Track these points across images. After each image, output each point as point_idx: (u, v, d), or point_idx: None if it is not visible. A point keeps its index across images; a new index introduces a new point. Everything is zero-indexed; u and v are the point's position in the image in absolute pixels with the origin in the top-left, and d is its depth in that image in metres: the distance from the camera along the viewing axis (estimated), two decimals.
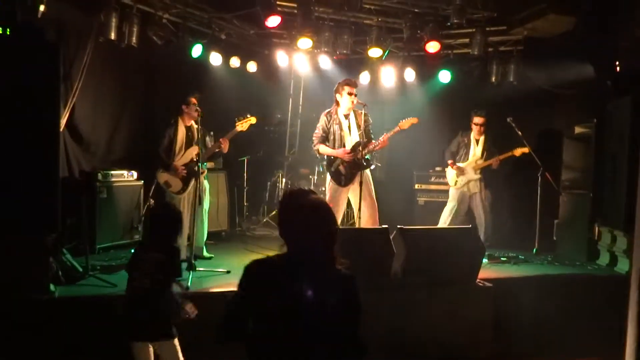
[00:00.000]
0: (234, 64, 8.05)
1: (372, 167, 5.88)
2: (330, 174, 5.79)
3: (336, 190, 5.74)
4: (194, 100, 5.78)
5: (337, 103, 5.75)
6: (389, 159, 8.52)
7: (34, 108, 4.15)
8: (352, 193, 5.74)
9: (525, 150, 6.66)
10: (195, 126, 5.74)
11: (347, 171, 5.68)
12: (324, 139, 5.78)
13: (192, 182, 5.67)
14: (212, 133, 6.49)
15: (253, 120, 5.69)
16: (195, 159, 5.59)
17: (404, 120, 5.63)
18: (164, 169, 5.76)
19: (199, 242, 5.78)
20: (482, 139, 7.03)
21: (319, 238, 2.16)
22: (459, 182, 7.02)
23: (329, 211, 2.24)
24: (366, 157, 5.68)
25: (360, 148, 5.60)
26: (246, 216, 8.55)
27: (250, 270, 2.24)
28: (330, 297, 2.10)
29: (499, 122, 6.92)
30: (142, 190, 6.55)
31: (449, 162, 7.14)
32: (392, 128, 5.66)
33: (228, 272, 5.29)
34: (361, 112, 5.65)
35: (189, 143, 5.74)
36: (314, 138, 5.82)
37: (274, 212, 8.45)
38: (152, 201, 6.34)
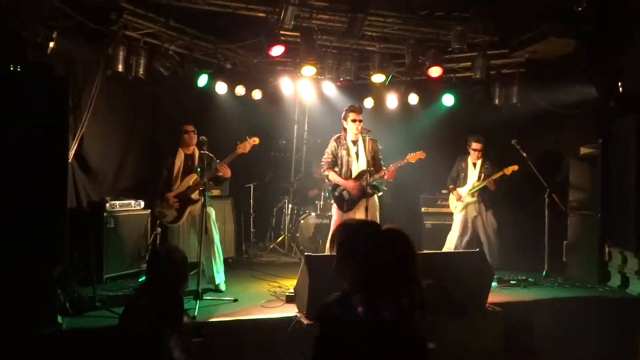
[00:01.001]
0: (239, 92, 8.15)
1: (380, 193, 5.88)
2: (333, 198, 5.86)
3: (340, 215, 5.77)
4: (188, 127, 5.82)
5: (345, 129, 5.83)
6: (395, 182, 8.49)
7: (43, 141, 4.21)
8: (358, 217, 5.73)
9: (515, 168, 6.69)
10: (198, 153, 5.73)
11: (350, 197, 5.71)
12: (334, 164, 5.86)
13: (188, 211, 5.68)
14: (218, 160, 6.53)
15: (255, 140, 5.62)
16: (191, 185, 5.61)
17: (412, 154, 5.67)
18: (160, 199, 5.80)
19: (209, 272, 5.69)
20: (479, 162, 7.06)
21: (393, 263, 2.05)
22: (458, 206, 7.08)
23: (401, 236, 2.12)
24: (374, 183, 5.70)
25: (367, 175, 5.62)
26: (253, 242, 8.53)
27: (327, 317, 2.01)
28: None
29: (503, 144, 6.93)
30: (149, 219, 6.56)
31: (450, 187, 7.24)
32: (397, 153, 5.70)
33: (235, 300, 5.26)
34: (368, 139, 5.68)
35: (187, 171, 5.75)
36: (323, 163, 5.88)
37: (280, 238, 8.44)
38: (159, 230, 6.35)
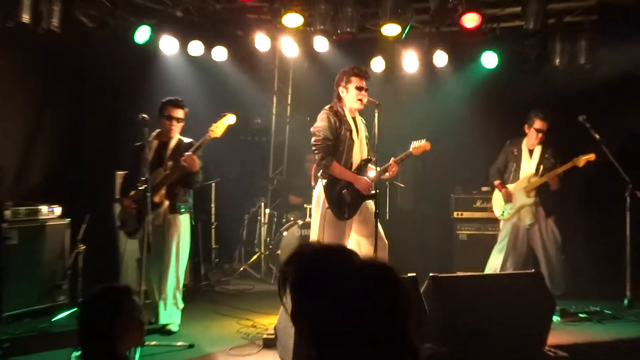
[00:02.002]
0: (195, 50, 8.12)
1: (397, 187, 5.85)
2: (328, 201, 5.51)
3: (336, 225, 5.49)
4: (173, 110, 5.82)
5: (340, 99, 5.64)
6: (415, 178, 8.52)
7: None
8: (355, 228, 5.66)
9: (591, 157, 6.68)
10: (175, 141, 5.85)
11: (352, 199, 5.58)
12: (334, 150, 5.52)
13: (152, 217, 5.64)
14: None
15: (231, 119, 5.64)
16: (156, 184, 5.62)
17: (416, 144, 5.65)
18: (120, 201, 5.93)
19: (161, 304, 5.74)
20: (538, 149, 7.06)
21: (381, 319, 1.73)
22: (507, 210, 7.07)
23: (392, 274, 1.81)
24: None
25: (367, 170, 5.58)
26: (215, 264, 8.51)
27: None
28: None
29: (567, 122, 6.93)
30: (68, 232, 6.52)
31: (496, 182, 7.21)
32: (417, 137, 5.67)
33: (191, 346, 5.24)
34: (361, 119, 5.65)
35: (156, 165, 5.76)
36: (317, 149, 5.49)
37: (254, 257, 8.43)
38: (81, 247, 6.31)
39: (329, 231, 5.49)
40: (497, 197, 7.26)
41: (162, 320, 5.71)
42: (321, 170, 5.57)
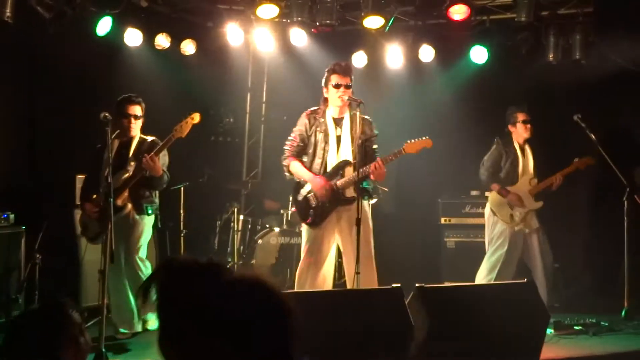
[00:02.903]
0: (162, 43, 8.09)
1: (373, 200, 5.88)
2: (294, 204, 5.88)
3: (306, 230, 5.76)
4: (130, 107, 5.88)
5: (325, 101, 5.79)
6: (400, 182, 8.56)
7: None
8: (340, 236, 5.73)
9: (590, 161, 6.77)
10: (137, 140, 5.92)
11: (318, 203, 5.70)
12: (301, 152, 5.82)
13: (110, 224, 5.64)
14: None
15: (194, 118, 5.73)
16: (119, 186, 5.63)
17: (411, 141, 5.64)
18: (81, 206, 6.02)
19: (122, 318, 5.83)
20: (527, 146, 7.08)
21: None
22: (517, 216, 6.96)
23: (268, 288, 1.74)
24: (364, 185, 5.68)
25: (346, 173, 5.62)
26: None
27: None
28: None
29: (560, 121, 7.01)
30: (23, 241, 6.48)
31: (495, 187, 7.03)
32: (401, 138, 5.70)
33: None
34: (359, 116, 5.62)
35: (117, 166, 5.75)
36: (286, 147, 5.87)
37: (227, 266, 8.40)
38: (39, 257, 6.27)
39: (305, 238, 5.79)
40: (498, 200, 7.05)
41: (137, 327, 5.88)
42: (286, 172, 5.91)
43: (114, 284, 5.80)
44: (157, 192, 6.07)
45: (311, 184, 5.70)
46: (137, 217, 5.80)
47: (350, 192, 5.67)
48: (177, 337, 1.70)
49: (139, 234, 5.82)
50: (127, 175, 5.74)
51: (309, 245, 5.70)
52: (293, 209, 5.86)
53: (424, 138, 5.69)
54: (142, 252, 5.94)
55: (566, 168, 6.90)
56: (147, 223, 5.95)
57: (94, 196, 5.70)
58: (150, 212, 5.89)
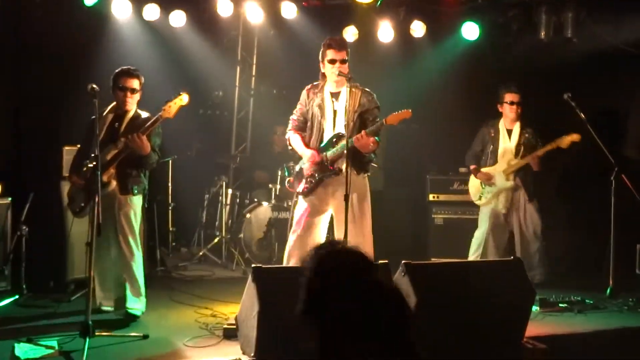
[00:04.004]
0: (151, 14, 8.02)
1: (366, 173, 5.83)
2: (294, 176, 5.96)
3: (299, 201, 5.84)
4: (127, 81, 5.72)
5: (323, 75, 5.84)
6: (389, 158, 8.57)
7: None
8: (335, 210, 5.75)
9: (575, 137, 6.80)
10: (131, 115, 5.77)
11: (310, 172, 5.76)
12: (302, 126, 5.88)
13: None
14: None
15: (183, 100, 5.63)
16: (107, 161, 5.54)
17: (393, 114, 5.64)
18: (69, 177, 5.87)
19: (113, 292, 5.78)
20: (516, 127, 7.14)
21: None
22: (485, 195, 7.19)
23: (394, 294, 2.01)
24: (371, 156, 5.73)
25: (335, 145, 5.64)
26: (172, 248, 8.49)
27: None
28: None
29: (551, 100, 7.02)
30: (9, 212, 6.45)
31: (471, 167, 7.31)
32: (387, 114, 5.69)
33: (145, 336, 5.22)
34: (355, 89, 5.65)
35: (108, 139, 5.66)
36: (289, 122, 5.96)
37: (215, 241, 8.42)
38: (25, 229, 6.25)
39: (296, 209, 5.86)
40: (474, 181, 7.34)
41: (129, 303, 5.70)
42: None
43: (100, 258, 5.71)
44: (145, 171, 5.92)
45: (303, 157, 5.77)
46: (120, 196, 5.66)
47: (342, 165, 5.67)
48: (319, 314, 1.93)
49: (125, 212, 5.68)
50: (115, 150, 5.61)
51: (299, 215, 5.73)
52: (290, 179, 5.88)
53: (403, 110, 5.68)
54: (132, 234, 5.73)
55: (546, 146, 6.95)
56: (136, 203, 5.78)
57: (84, 169, 5.61)
58: (135, 192, 5.74)
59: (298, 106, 5.90)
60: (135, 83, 5.77)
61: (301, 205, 5.83)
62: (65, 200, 6.04)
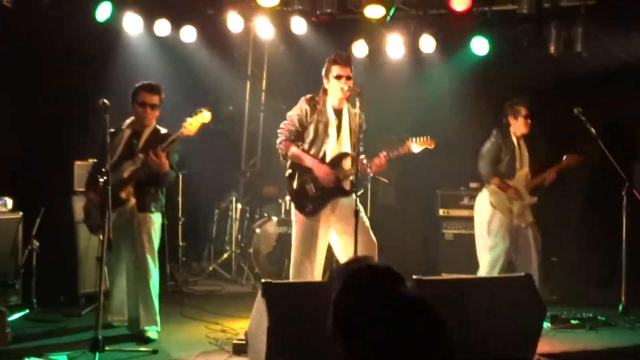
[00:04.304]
0: (161, 30, 8.07)
1: (352, 195, 5.76)
2: (289, 192, 5.75)
3: (301, 221, 5.66)
4: (146, 96, 5.67)
5: (325, 91, 5.76)
6: (400, 173, 8.57)
7: None
8: (335, 228, 5.71)
9: (578, 160, 6.73)
10: (150, 131, 5.70)
11: (316, 192, 5.65)
12: (298, 137, 5.72)
13: (115, 216, 5.55)
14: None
15: (205, 117, 5.56)
16: (125, 178, 5.50)
17: (415, 140, 5.63)
18: (86, 193, 5.82)
19: (133, 312, 5.70)
20: (524, 139, 7.01)
21: None
22: (515, 210, 6.91)
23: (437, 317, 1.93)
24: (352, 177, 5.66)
25: (344, 165, 5.62)
26: (182, 263, 8.50)
27: None
28: None
29: (561, 114, 7.01)
30: (20, 226, 6.48)
31: (495, 182, 6.90)
32: (401, 130, 5.70)
33: (155, 352, 5.24)
34: (356, 113, 5.61)
35: (126, 155, 5.62)
36: (281, 131, 5.73)
37: (225, 256, 8.42)
38: (36, 243, 6.28)
39: (297, 227, 5.71)
40: (497, 194, 6.91)
41: (143, 325, 5.62)
42: (281, 157, 5.80)
43: (118, 274, 5.74)
44: (163, 189, 5.84)
45: (316, 171, 5.60)
46: (139, 214, 5.57)
47: (347, 184, 5.69)
48: (346, 332, 1.88)
49: (144, 230, 5.59)
50: (133, 167, 5.54)
51: (303, 236, 5.66)
52: (288, 197, 5.76)
53: (427, 138, 5.67)
54: (150, 252, 5.64)
55: (558, 165, 6.90)
56: (155, 221, 5.69)
57: (101, 180, 5.29)
58: (153, 209, 5.65)
59: (295, 115, 5.70)
60: (155, 99, 5.70)
61: (304, 224, 5.67)
62: (79, 215, 6.02)
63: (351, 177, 5.65)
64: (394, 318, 1.84)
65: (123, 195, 5.49)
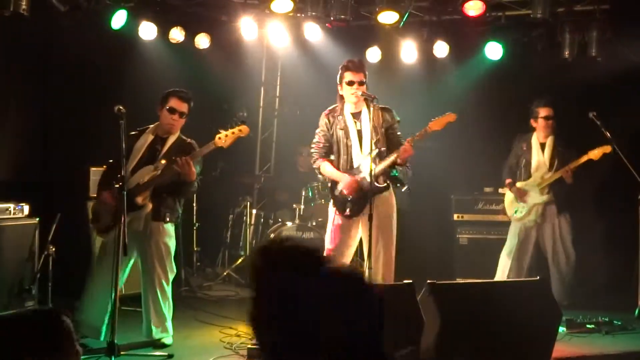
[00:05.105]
0: (176, 37, 8.12)
1: (404, 187, 5.91)
2: (333, 200, 5.92)
3: (341, 224, 5.79)
4: (174, 100, 5.59)
5: (341, 98, 5.85)
6: (414, 178, 8.54)
7: None
8: (364, 229, 5.75)
9: (607, 149, 6.74)
10: (174, 139, 5.65)
11: (354, 196, 5.75)
12: (328, 151, 5.92)
13: (128, 220, 5.49)
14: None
15: (243, 131, 5.58)
16: (141, 184, 5.44)
17: (435, 119, 5.69)
18: (98, 193, 5.74)
19: (146, 320, 5.62)
20: (550, 140, 7.10)
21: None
22: (520, 210, 7.10)
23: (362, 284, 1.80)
24: (393, 173, 5.75)
25: (373, 162, 5.64)
26: (197, 268, 8.52)
27: None
28: None
29: (576, 119, 6.98)
30: (37, 232, 6.51)
31: (507, 182, 7.24)
32: (415, 130, 5.70)
33: (170, 356, 5.26)
34: (375, 109, 5.64)
35: (147, 160, 5.58)
36: (313, 150, 5.96)
37: (239, 261, 8.44)
38: (52, 248, 6.31)
39: (335, 229, 5.82)
40: (509, 196, 7.28)
41: (156, 335, 5.60)
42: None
43: (97, 282, 5.54)
44: (182, 200, 5.77)
45: (341, 184, 5.78)
46: (152, 223, 5.48)
47: (380, 181, 5.70)
48: (268, 322, 1.74)
49: (155, 241, 5.51)
50: (154, 173, 5.47)
51: (341, 237, 5.75)
52: (332, 202, 5.88)
53: (446, 114, 5.71)
54: (160, 263, 5.57)
55: (578, 159, 6.91)
56: (169, 231, 5.63)
57: (116, 185, 5.27)
58: (168, 219, 5.55)
59: (320, 132, 5.91)
60: (185, 107, 5.63)
61: (340, 224, 5.80)
62: (89, 215, 5.97)
63: (394, 172, 5.77)
64: (323, 294, 1.69)
65: (140, 200, 5.45)
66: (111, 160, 5.70)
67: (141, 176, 5.49)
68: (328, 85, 5.98)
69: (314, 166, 5.99)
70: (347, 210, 5.76)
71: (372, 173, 5.46)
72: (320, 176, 6.10)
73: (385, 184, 5.77)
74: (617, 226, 7.41)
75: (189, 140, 5.70)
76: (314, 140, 5.95)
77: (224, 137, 5.49)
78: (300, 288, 1.70)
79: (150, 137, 5.66)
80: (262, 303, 1.76)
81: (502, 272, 7.10)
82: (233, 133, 5.51)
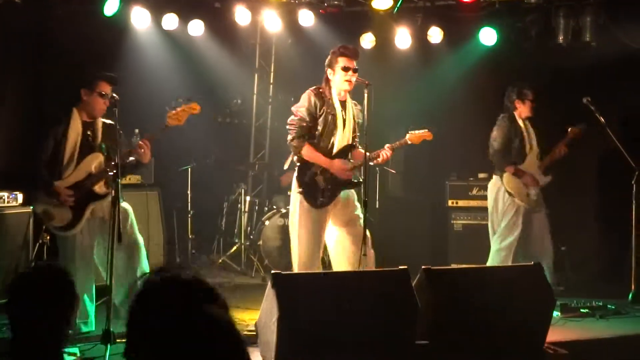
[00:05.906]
0: (169, 24, 8.07)
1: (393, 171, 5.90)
2: (300, 187, 5.67)
3: (310, 213, 5.63)
4: (103, 85, 5.52)
5: (328, 82, 5.74)
6: (407, 164, 8.56)
7: None
8: (333, 220, 5.75)
9: (579, 131, 6.74)
10: (102, 122, 5.62)
11: (326, 184, 5.66)
12: (310, 131, 5.67)
13: (89, 211, 5.54)
14: (137, 131, 6.45)
15: (194, 108, 5.56)
16: (94, 172, 5.47)
17: (414, 133, 5.72)
18: (44, 191, 5.60)
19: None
20: (527, 122, 7.00)
21: None
22: (532, 195, 6.88)
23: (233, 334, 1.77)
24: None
25: (350, 157, 5.65)
26: (192, 255, 8.52)
27: None
28: None
29: (569, 103, 6.98)
30: (31, 221, 6.50)
31: (510, 169, 6.86)
32: (411, 121, 5.73)
33: None
34: (356, 105, 5.71)
35: (86, 149, 5.57)
36: (293, 127, 5.67)
37: (234, 249, 8.45)
38: (47, 236, 6.29)
39: (304, 218, 5.64)
40: (513, 181, 6.86)
41: None
42: (292, 154, 5.79)
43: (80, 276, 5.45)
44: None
45: (331, 169, 5.62)
46: (113, 206, 5.31)
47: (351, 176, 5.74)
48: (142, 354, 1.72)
49: (123, 220, 5.44)
50: (97, 159, 5.46)
51: (313, 227, 5.64)
52: (299, 190, 5.67)
53: (425, 131, 5.74)
54: (137, 238, 5.68)
55: (565, 138, 6.90)
56: (127, 209, 5.65)
57: (68, 176, 5.38)
58: (122, 199, 5.42)
59: (305, 110, 5.63)
60: (110, 89, 5.51)
61: (312, 216, 5.65)
62: (43, 218, 5.74)
63: (359, 166, 5.70)
64: (191, 336, 1.68)
65: (97, 188, 5.49)
66: (48, 156, 5.58)
67: (89, 165, 5.48)
68: (322, 71, 5.93)
69: (293, 144, 5.61)
70: (319, 199, 5.63)
71: (366, 157, 5.46)
72: (295, 157, 5.72)
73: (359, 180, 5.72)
74: (611, 211, 7.43)
75: (109, 121, 5.61)
76: (296, 117, 5.63)
77: (174, 115, 5.44)
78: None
79: (79, 124, 5.56)
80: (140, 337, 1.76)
81: (502, 259, 6.79)
82: (184, 110, 5.46)
